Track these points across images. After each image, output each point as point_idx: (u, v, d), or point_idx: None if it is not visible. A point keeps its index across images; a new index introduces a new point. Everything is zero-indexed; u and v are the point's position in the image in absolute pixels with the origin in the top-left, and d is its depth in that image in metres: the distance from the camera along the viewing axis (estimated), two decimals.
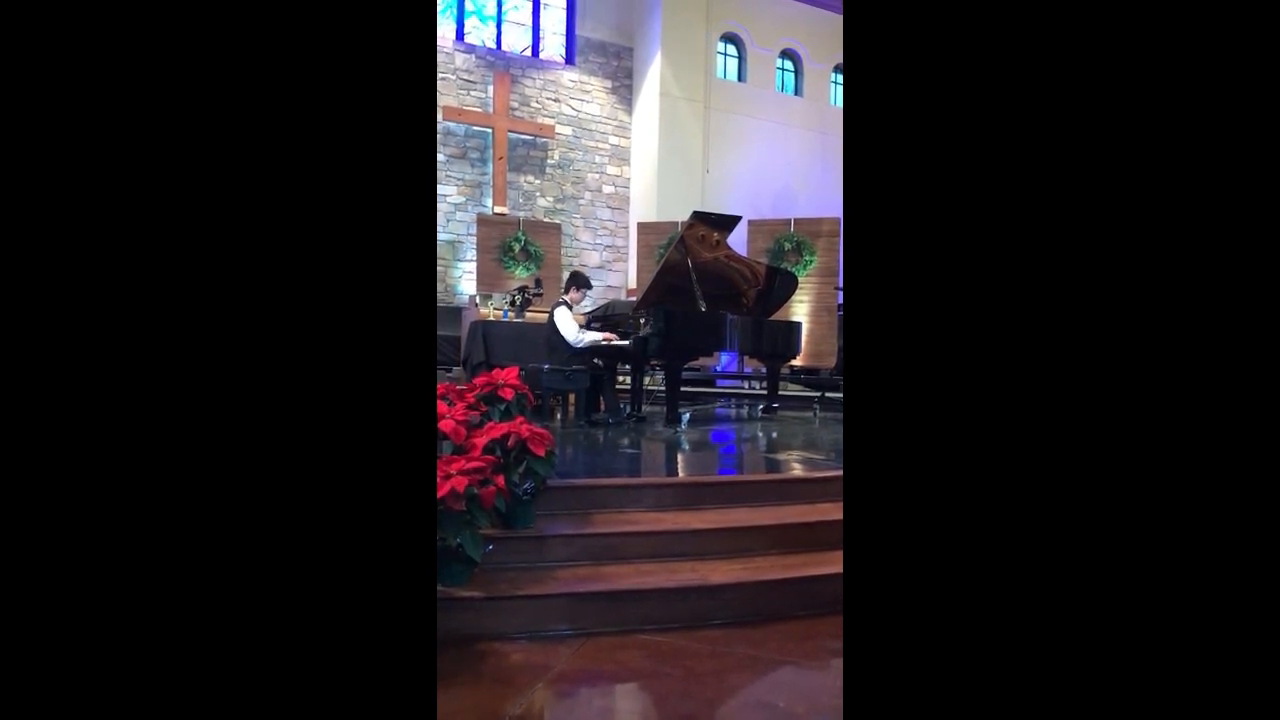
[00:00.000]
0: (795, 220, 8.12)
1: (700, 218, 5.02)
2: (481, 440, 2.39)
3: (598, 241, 9.26)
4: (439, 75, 8.12)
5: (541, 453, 2.48)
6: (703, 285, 5.01)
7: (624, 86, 9.28)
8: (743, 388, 8.16)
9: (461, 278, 8.38)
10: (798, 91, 9.87)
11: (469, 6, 8.60)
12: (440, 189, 8.24)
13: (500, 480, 2.25)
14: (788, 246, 7.94)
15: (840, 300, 7.41)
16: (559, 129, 8.87)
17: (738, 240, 5.94)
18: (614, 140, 9.27)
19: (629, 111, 9.31)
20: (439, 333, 6.51)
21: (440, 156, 8.24)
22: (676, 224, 7.13)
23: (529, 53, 8.89)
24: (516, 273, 7.81)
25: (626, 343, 4.75)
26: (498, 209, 8.39)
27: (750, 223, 7.89)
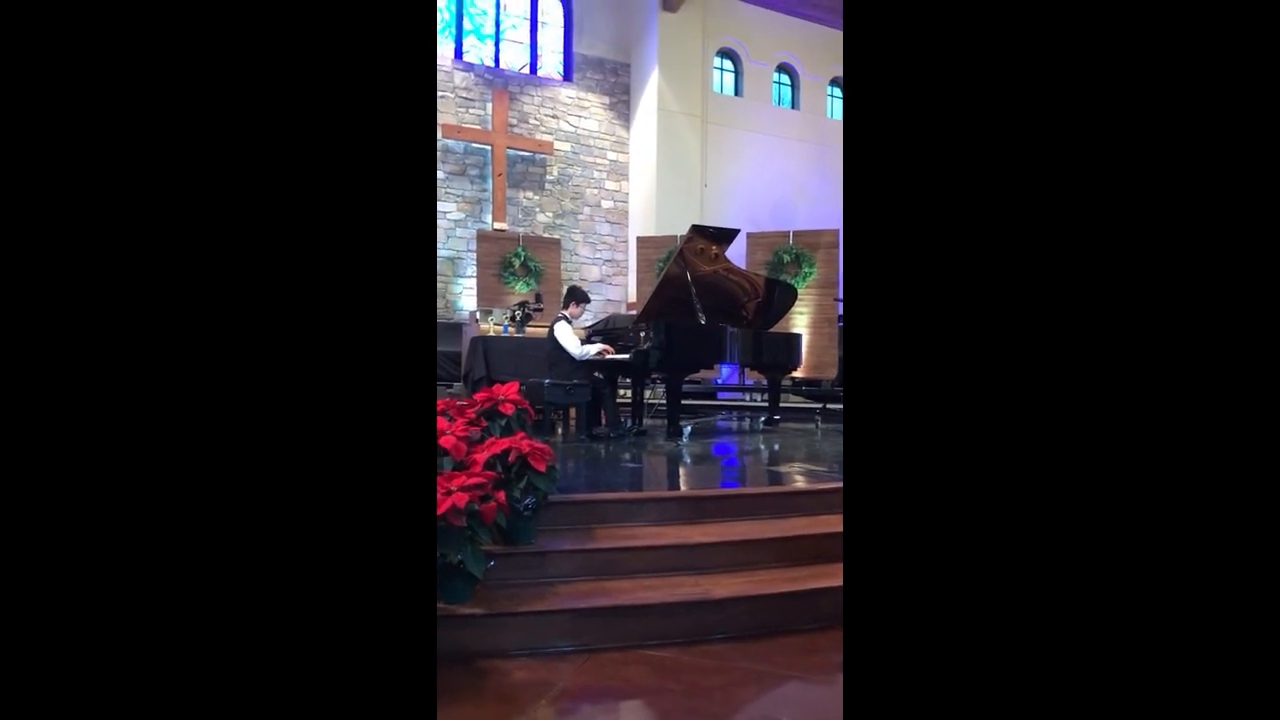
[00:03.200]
0: (794, 232, 8.15)
1: (699, 231, 5.03)
2: (482, 456, 2.39)
3: (597, 256, 9.29)
4: (438, 93, 8.19)
5: (543, 468, 2.47)
6: (702, 298, 5.01)
7: (621, 102, 9.35)
8: (744, 400, 8.15)
9: (462, 294, 8.40)
10: (794, 105, 9.94)
11: (467, 25, 8.69)
12: (440, 206, 8.28)
13: (501, 496, 2.25)
14: (787, 258, 7.96)
15: (840, 311, 7.41)
16: (557, 145, 8.93)
17: (737, 253, 5.96)
18: (612, 155, 9.32)
19: (627, 127, 9.38)
20: (440, 348, 6.52)
21: (440, 174, 8.29)
22: (675, 238, 7.17)
23: (527, 70, 8.97)
24: (517, 288, 7.83)
25: (627, 356, 4.75)
26: (497, 225, 8.43)
27: (749, 235, 7.91)
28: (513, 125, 8.67)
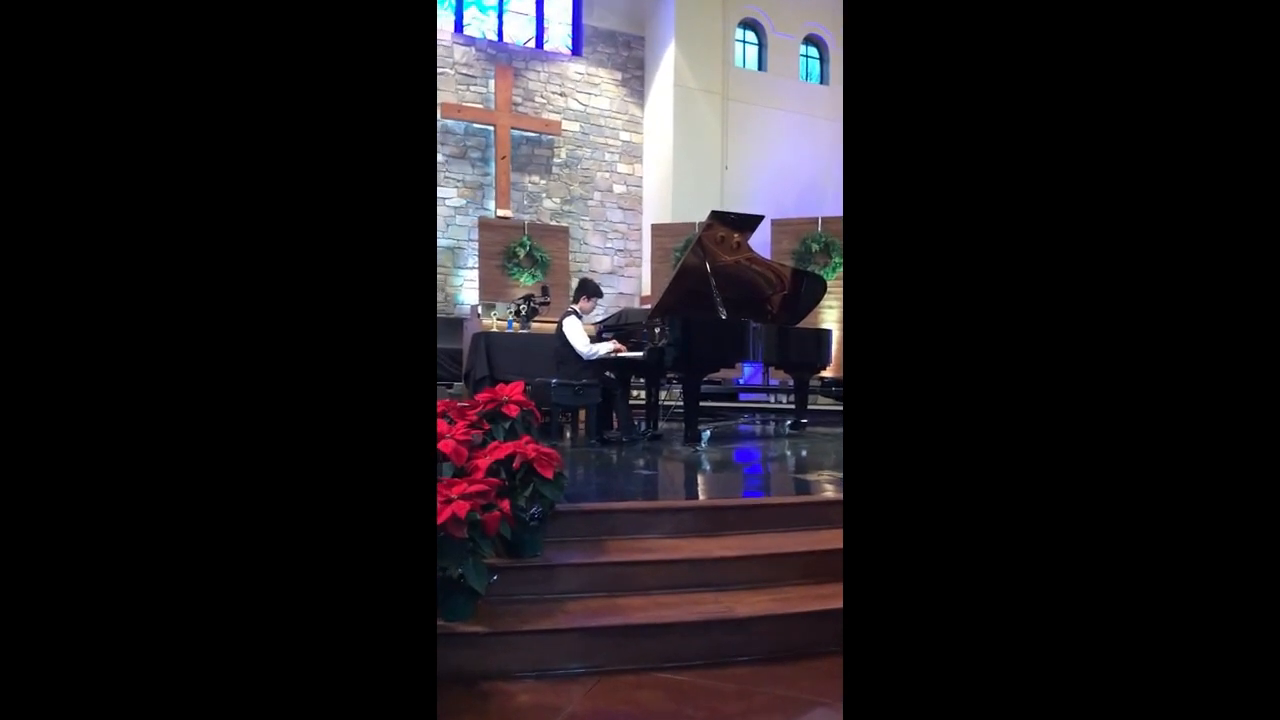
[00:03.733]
0: (823, 219, 8.11)
1: (719, 218, 5.03)
2: (484, 462, 2.40)
3: (609, 245, 9.30)
4: (437, 70, 8.23)
5: (549, 475, 2.48)
6: (723, 291, 5.01)
7: (635, 78, 9.35)
8: (768, 402, 8.13)
9: (462, 286, 8.44)
10: (823, 80, 9.89)
11: None
12: (439, 191, 8.33)
13: (505, 505, 2.25)
14: (815, 247, 7.93)
15: None
16: (566, 125, 8.94)
17: (761, 241, 5.95)
18: (625, 136, 9.32)
19: (641, 105, 9.37)
20: (439, 345, 6.56)
21: (439, 156, 8.32)
22: (693, 225, 7.16)
23: (533, 44, 8.98)
24: (521, 280, 7.86)
25: (640, 354, 4.76)
26: (501, 212, 8.46)
27: (774, 222, 7.89)
28: (517, 104, 8.69)
